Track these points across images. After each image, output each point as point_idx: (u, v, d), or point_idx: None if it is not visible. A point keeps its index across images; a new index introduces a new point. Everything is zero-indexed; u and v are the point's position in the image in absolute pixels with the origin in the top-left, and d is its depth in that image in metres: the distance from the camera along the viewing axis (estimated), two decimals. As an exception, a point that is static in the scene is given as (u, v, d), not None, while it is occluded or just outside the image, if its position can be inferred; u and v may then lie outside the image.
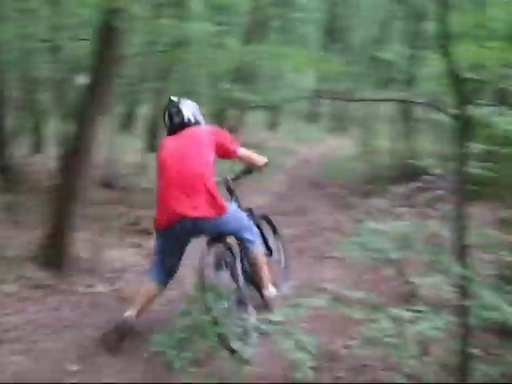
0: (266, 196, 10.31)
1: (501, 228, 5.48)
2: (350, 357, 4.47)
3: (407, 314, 3.04)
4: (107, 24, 5.55)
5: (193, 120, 4.89)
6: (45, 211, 6.73)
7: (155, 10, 9.06)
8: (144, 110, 13.54)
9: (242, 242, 4.88)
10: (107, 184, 8.88)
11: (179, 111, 4.89)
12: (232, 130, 13.03)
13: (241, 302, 4.56)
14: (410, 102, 4.36)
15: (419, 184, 9.65)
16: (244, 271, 4.84)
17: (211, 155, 4.73)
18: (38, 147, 10.45)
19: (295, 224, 8.56)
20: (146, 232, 7.26)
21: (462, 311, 2.65)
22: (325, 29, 26.06)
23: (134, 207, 8.12)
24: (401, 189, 9.90)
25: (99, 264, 6.11)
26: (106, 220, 7.33)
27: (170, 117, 4.90)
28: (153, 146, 11.04)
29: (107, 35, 5.72)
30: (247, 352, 4.05)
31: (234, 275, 4.70)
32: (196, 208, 4.48)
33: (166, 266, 4.81)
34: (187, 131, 4.81)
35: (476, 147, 4.82)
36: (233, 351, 4.03)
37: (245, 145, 13.38)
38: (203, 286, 4.30)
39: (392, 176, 11.59)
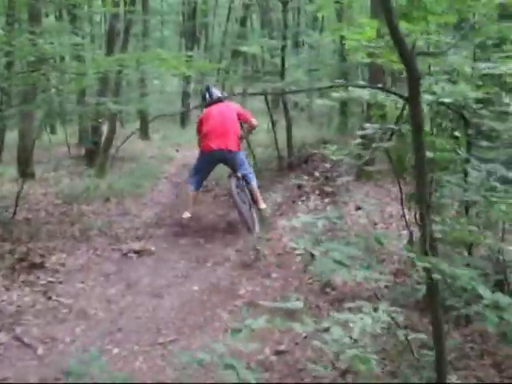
0: (154, 208, 9.97)
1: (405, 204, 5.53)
2: (282, 363, 4.34)
3: (356, 317, 2.86)
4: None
5: (223, 97, 8.83)
6: None
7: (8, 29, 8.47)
8: (12, 136, 12.78)
9: (246, 175, 8.28)
10: (-16, 220, 8.22)
11: (215, 92, 8.85)
12: (108, 142, 12.63)
13: (250, 208, 8.10)
14: (360, 86, 4.29)
15: (316, 173, 9.69)
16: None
17: (236, 118, 8.42)
18: None
19: (190, 232, 8.30)
20: (38, 266, 6.77)
21: (434, 309, 2.50)
22: (183, 30, 25.84)
23: (20, 241, 7.55)
24: (291, 180, 9.94)
25: (-7, 311, 5.60)
26: (-9, 260, 6.77)
27: (210, 95, 8.64)
28: (27, 173, 10.39)
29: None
30: (256, 230, 7.71)
31: (245, 195, 8.18)
32: (229, 144, 8.15)
33: (202, 179, 8.57)
34: (222, 104, 8.45)
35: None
36: (249, 229, 7.71)
37: (123, 158, 12.96)
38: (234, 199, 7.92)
39: (275, 168, 11.56)
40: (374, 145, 4.27)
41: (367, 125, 4.67)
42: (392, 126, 4.63)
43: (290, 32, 19.31)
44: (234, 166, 8.29)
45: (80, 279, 6.51)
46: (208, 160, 8.36)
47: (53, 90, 10.46)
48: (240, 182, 8.17)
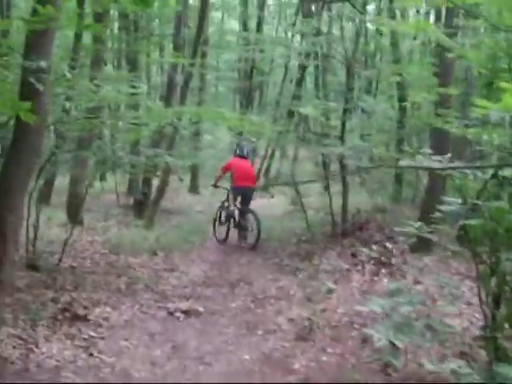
0: (202, 265, 9.67)
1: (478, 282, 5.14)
2: None
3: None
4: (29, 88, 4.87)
5: (249, 154, 13.10)
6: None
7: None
8: (60, 180, 12.70)
9: (253, 210, 11.88)
10: (30, 265, 7.96)
11: (245, 149, 12.61)
12: (159, 193, 12.51)
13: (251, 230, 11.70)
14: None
15: (372, 242, 9.27)
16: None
17: (252, 170, 13.05)
18: None
19: (240, 295, 7.95)
20: (81, 318, 6.45)
21: None
22: (238, 87, 25.97)
23: (64, 290, 7.29)
24: (345, 248, 9.54)
25: (30, 364, 5.27)
26: (34, 308, 6.48)
27: (241, 151, 12.48)
28: (76, 219, 10.19)
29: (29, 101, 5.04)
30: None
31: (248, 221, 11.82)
32: (250, 183, 12.09)
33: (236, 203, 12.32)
34: (245, 159, 12.49)
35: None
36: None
37: (171, 211, 12.77)
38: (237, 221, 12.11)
39: (328, 233, 11.20)
40: (460, 222, 3.92)
41: (450, 199, 4.35)
42: (477, 201, 4.29)
43: (345, 95, 19.20)
44: (247, 198, 12.15)
45: (124, 336, 6.16)
46: (238, 191, 12.17)
47: (107, 138, 10.36)
48: (244, 214, 12.02)
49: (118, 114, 8.82)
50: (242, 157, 12.41)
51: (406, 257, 9.09)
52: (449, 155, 5.05)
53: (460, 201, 4.28)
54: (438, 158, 4.97)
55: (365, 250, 9.35)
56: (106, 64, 16.39)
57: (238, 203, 12.08)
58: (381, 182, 16.82)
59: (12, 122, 6.57)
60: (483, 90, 7.42)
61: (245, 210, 11.92)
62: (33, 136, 5.09)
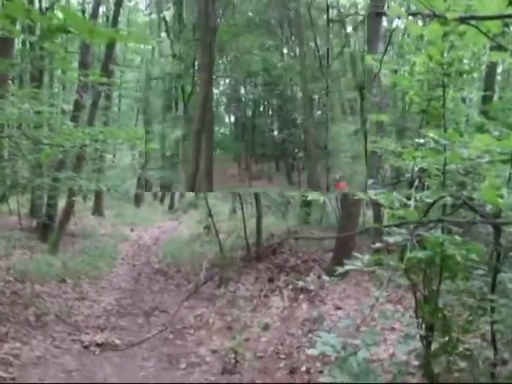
0: (114, 293, 9.25)
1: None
2: None
3: None
4: None
5: None
6: None
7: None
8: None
9: None
10: None
11: None
12: (65, 217, 11.97)
13: None
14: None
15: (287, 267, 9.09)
16: None
17: None
18: None
19: (156, 325, 7.64)
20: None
21: None
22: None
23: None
24: (261, 273, 9.36)
25: None
26: None
27: None
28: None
29: None
30: None
31: None
32: None
33: None
34: None
35: None
36: None
37: (74, 234, 12.22)
38: None
39: (242, 258, 11.00)
40: (409, 255, 3.82)
41: (394, 229, 4.25)
42: (422, 232, 4.20)
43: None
44: None
45: (37, 375, 5.68)
46: None
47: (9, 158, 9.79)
48: None
49: (25, 133, 8.16)
50: None
51: (323, 281, 8.99)
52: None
53: (403, 231, 4.18)
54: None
55: (277, 272, 9.27)
56: (13, 81, 15.48)
57: None
58: (286, 204, 16.81)
59: None
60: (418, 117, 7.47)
61: None
62: None
